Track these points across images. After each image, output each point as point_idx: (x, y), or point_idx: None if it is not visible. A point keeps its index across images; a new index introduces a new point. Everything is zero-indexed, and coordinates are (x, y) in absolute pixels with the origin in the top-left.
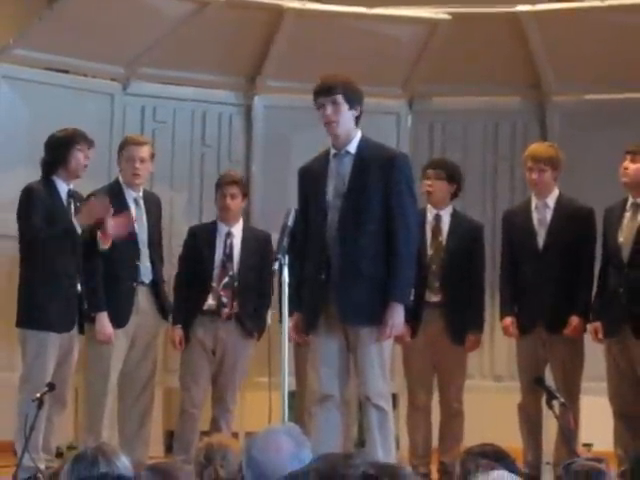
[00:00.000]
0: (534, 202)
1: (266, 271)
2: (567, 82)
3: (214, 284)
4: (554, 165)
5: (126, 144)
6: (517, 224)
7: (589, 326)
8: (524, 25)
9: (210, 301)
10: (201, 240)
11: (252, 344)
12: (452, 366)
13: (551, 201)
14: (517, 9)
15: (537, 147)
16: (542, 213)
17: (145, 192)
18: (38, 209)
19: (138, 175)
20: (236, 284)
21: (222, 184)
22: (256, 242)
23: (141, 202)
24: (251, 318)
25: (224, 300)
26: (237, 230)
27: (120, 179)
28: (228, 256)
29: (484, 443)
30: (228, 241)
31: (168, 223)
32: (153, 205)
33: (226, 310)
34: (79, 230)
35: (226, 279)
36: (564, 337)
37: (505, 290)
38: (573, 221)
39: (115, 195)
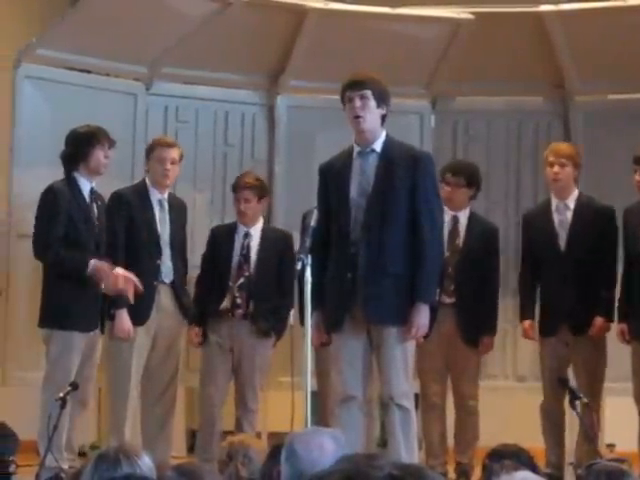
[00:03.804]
0: (554, 203)
1: (287, 271)
2: (590, 82)
3: (230, 284)
4: (575, 163)
5: (156, 146)
6: (537, 226)
7: (617, 327)
8: (547, 25)
9: (225, 301)
10: (220, 241)
11: (269, 344)
12: (465, 367)
13: (571, 202)
14: (540, 9)
15: (559, 144)
16: (563, 214)
17: (170, 195)
18: (60, 216)
19: (168, 176)
20: (252, 285)
21: (236, 188)
22: (275, 242)
23: (165, 204)
24: (266, 318)
25: (238, 301)
26: (255, 231)
27: (147, 180)
28: (245, 257)
29: (506, 443)
30: (245, 242)
31: (190, 223)
32: (178, 209)
33: (240, 311)
34: (89, 268)
35: (242, 280)
36: (588, 338)
37: (525, 293)
38: (594, 221)
39: (140, 196)
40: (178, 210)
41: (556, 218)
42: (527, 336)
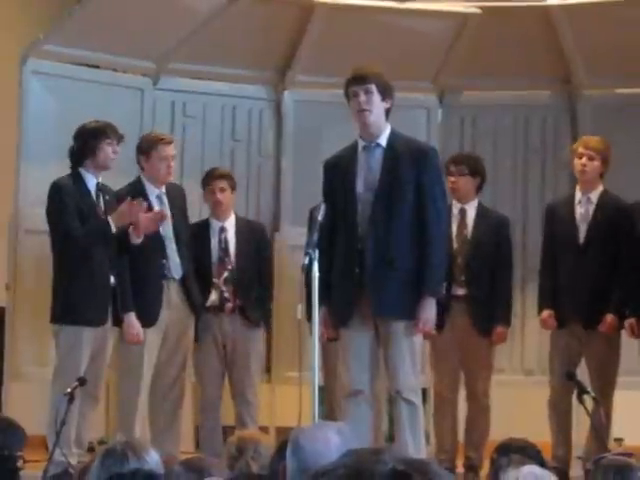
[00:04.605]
0: (578, 196)
1: (264, 261)
2: (598, 76)
3: (215, 280)
4: (603, 158)
5: (158, 143)
6: (559, 217)
7: (626, 322)
8: (554, 19)
9: (213, 297)
10: (195, 238)
11: (260, 334)
12: (479, 360)
13: (594, 196)
14: (548, 3)
15: (590, 137)
16: (585, 207)
17: (168, 185)
18: (69, 206)
19: (171, 174)
20: (236, 277)
21: (210, 179)
22: (251, 234)
23: (164, 198)
24: (255, 309)
25: (226, 295)
26: (230, 224)
27: (142, 177)
28: (224, 251)
29: (514, 437)
30: (222, 236)
31: (197, 218)
32: (177, 198)
33: (229, 305)
34: (113, 227)
35: (226, 273)
36: (600, 333)
37: (545, 283)
38: (615, 218)
39: (138, 193)
40: (177, 200)
41: (578, 211)
42: (546, 326)
